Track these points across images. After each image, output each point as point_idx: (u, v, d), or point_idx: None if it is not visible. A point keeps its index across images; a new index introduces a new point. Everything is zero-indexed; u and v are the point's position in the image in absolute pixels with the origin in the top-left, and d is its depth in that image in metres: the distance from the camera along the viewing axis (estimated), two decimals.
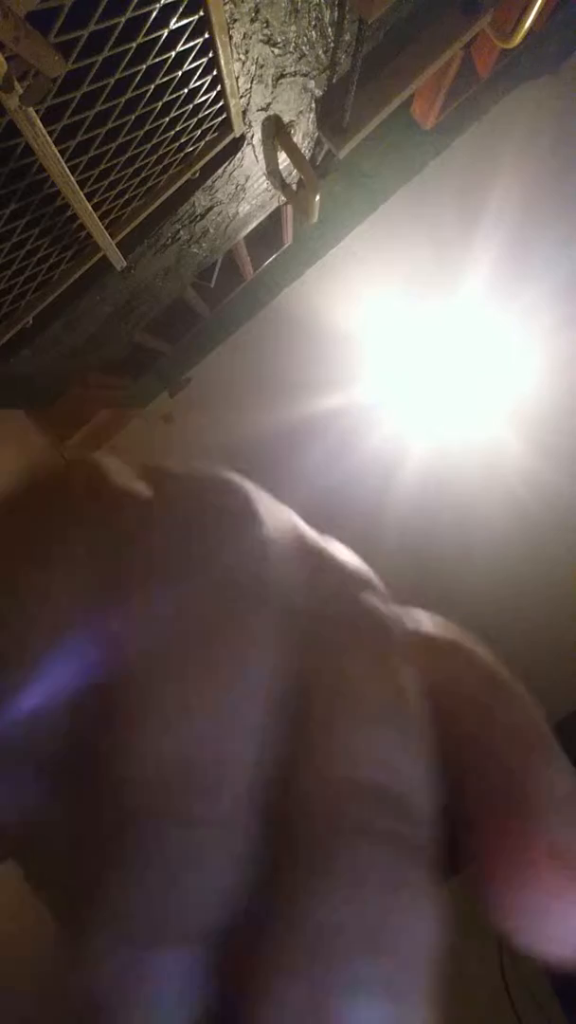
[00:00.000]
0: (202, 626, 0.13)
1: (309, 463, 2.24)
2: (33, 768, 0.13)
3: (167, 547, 0.14)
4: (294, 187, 1.37)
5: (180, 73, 0.83)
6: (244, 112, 1.02)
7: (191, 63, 0.83)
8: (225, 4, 0.77)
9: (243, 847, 0.12)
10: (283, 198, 1.45)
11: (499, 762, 0.14)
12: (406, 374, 2.16)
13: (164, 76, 0.81)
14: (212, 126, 1.00)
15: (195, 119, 0.95)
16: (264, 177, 1.29)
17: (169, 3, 0.71)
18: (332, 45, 1.06)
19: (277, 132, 1.15)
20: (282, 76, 1.02)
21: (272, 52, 0.94)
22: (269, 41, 0.91)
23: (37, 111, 0.70)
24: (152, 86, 0.81)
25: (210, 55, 0.84)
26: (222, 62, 0.85)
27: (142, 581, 0.14)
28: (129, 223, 1.06)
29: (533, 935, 0.15)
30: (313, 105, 1.19)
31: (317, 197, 1.30)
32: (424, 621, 0.18)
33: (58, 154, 0.77)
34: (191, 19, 0.76)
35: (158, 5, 0.70)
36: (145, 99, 0.83)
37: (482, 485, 2.28)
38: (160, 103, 0.85)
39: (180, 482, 0.16)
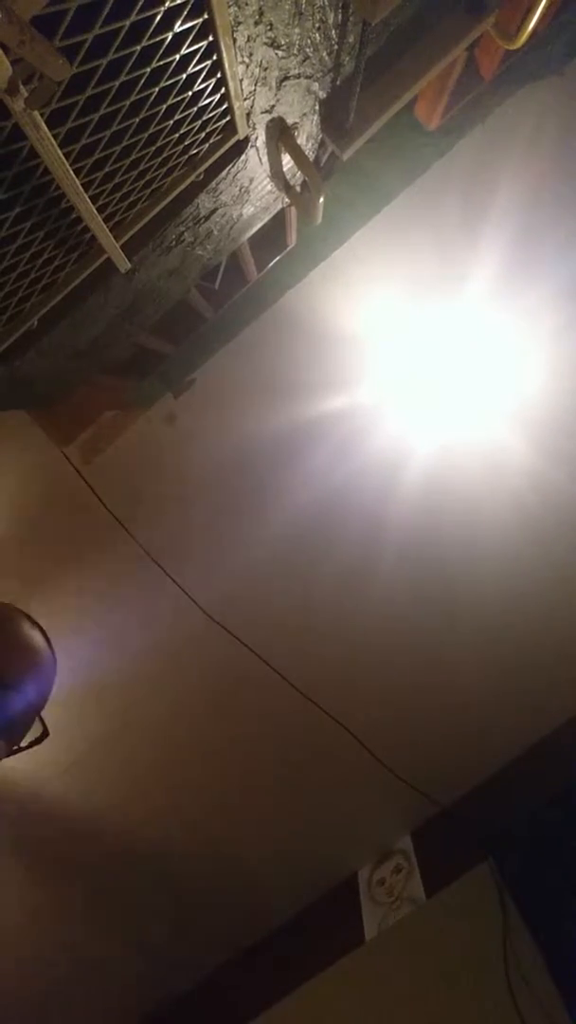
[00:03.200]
0: None
1: (313, 463, 2.24)
2: None
3: None
4: (298, 189, 1.38)
5: (184, 76, 0.83)
6: (248, 114, 1.03)
7: (195, 66, 0.83)
8: (229, 7, 0.77)
9: None
10: (287, 200, 1.45)
11: None
12: (410, 375, 2.16)
13: (168, 79, 0.82)
14: (216, 128, 1.01)
15: (199, 122, 0.95)
16: (268, 179, 1.30)
17: (173, 6, 0.71)
18: (336, 47, 1.06)
19: (281, 134, 1.15)
20: (286, 78, 1.02)
21: (276, 55, 0.94)
22: (273, 44, 0.91)
23: (42, 114, 0.70)
24: (156, 89, 0.81)
25: (214, 58, 0.84)
26: (226, 65, 0.85)
27: None
28: (133, 225, 1.07)
29: None
30: (317, 107, 1.20)
31: (321, 199, 1.31)
32: None
33: (63, 157, 0.78)
34: (195, 22, 0.76)
35: (162, 8, 0.70)
36: (149, 102, 0.83)
37: (486, 486, 2.27)
38: (164, 106, 0.86)
39: None
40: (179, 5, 0.72)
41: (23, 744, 0.72)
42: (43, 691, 0.75)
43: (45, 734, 0.73)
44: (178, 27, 0.75)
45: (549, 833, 2.24)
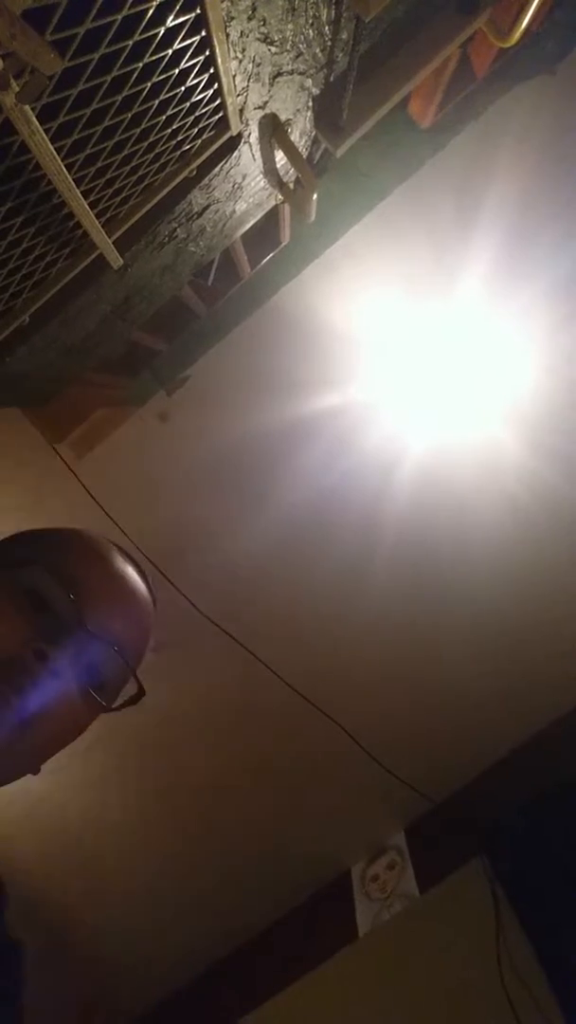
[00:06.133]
0: None
1: (306, 461, 2.24)
2: None
3: None
4: (291, 185, 1.37)
5: (176, 71, 0.83)
6: (241, 110, 1.02)
7: (187, 61, 0.83)
8: (222, 2, 0.77)
9: None
10: (280, 196, 1.45)
11: None
12: (404, 373, 2.16)
13: (160, 74, 0.81)
14: (209, 124, 1.00)
15: (191, 117, 0.95)
16: (261, 175, 1.29)
17: (165, 1, 0.71)
18: (329, 43, 1.06)
19: (274, 130, 1.14)
20: (279, 74, 1.02)
21: (269, 50, 0.94)
22: (266, 39, 0.91)
23: (33, 109, 0.69)
24: (148, 84, 0.81)
25: (206, 53, 0.83)
26: (219, 60, 0.85)
27: None
28: (126, 221, 1.06)
29: None
30: (310, 103, 1.19)
31: (315, 196, 1.30)
32: None
33: (54, 152, 0.77)
34: (187, 17, 0.76)
35: (154, 3, 0.70)
36: (141, 97, 0.82)
37: (480, 484, 2.28)
38: (156, 101, 0.85)
39: None
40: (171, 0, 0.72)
41: (116, 704, 0.62)
42: (141, 645, 0.65)
43: (141, 693, 0.62)
44: (170, 22, 0.74)
45: (542, 829, 2.26)
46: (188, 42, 0.79)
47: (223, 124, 1.01)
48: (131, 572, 0.66)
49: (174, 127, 0.94)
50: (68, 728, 0.58)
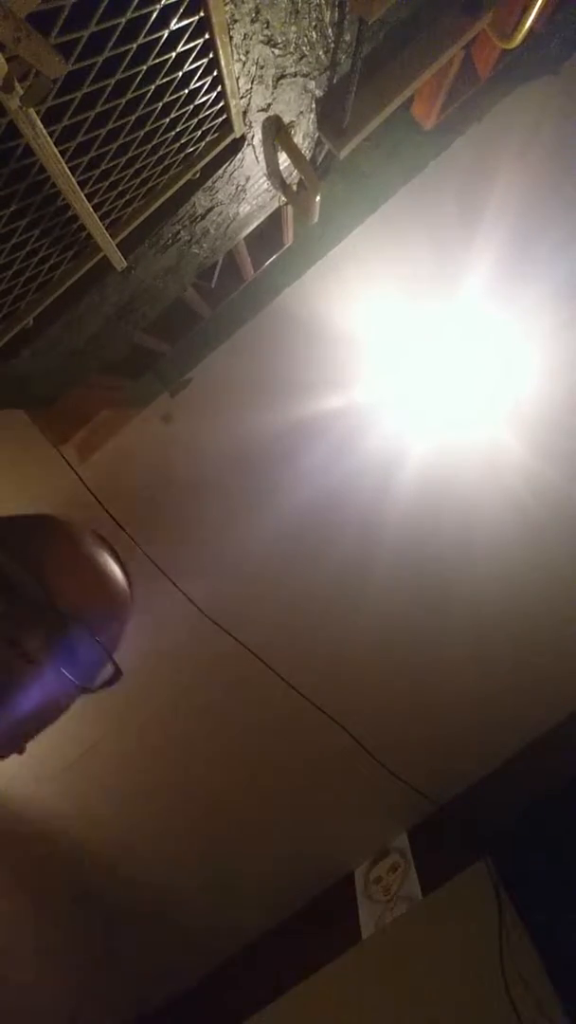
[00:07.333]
0: None
1: (309, 463, 2.24)
2: None
3: None
4: (295, 188, 1.37)
5: (180, 74, 0.83)
6: (245, 113, 1.03)
7: (191, 64, 0.83)
8: (226, 5, 0.77)
9: None
10: (284, 199, 1.45)
11: None
12: (407, 374, 2.16)
13: (164, 77, 0.82)
14: (212, 127, 1.00)
15: (195, 120, 0.95)
16: (265, 178, 1.30)
17: (169, 4, 0.71)
18: (332, 46, 1.06)
19: (278, 133, 1.15)
20: (282, 77, 1.02)
21: (272, 53, 0.94)
22: (270, 42, 0.91)
23: (38, 112, 0.70)
24: (152, 87, 0.81)
25: (210, 56, 0.84)
26: (222, 63, 0.85)
27: None
28: (129, 224, 1.06)
29: None
30: (313, 106, 1.19)
31: (318, 198, 1.31)
32: None
33: (59, 155, 0.77)
34: (191, 20, 0.76)
35: (158, 6, 0.70)
36: (145, 100, 0.83)
37: (483, 485, 2.28)
38: (160, 104, 0.86)
39: None
40: (175, 3, 0.72)
41: (94, 687, 0.62)
42: (116, 625, 0.66)
43: (118, 674, 0.62)
44: (174, 24, 0.75)
45: (545, 831, 2.25)
46: (192, 45, 0.80)
47: (227, 126, 1.02)
48: (103, 554, 0.66)
49: (178, 129, 0.94)
50: (45, 709, 0.57)
